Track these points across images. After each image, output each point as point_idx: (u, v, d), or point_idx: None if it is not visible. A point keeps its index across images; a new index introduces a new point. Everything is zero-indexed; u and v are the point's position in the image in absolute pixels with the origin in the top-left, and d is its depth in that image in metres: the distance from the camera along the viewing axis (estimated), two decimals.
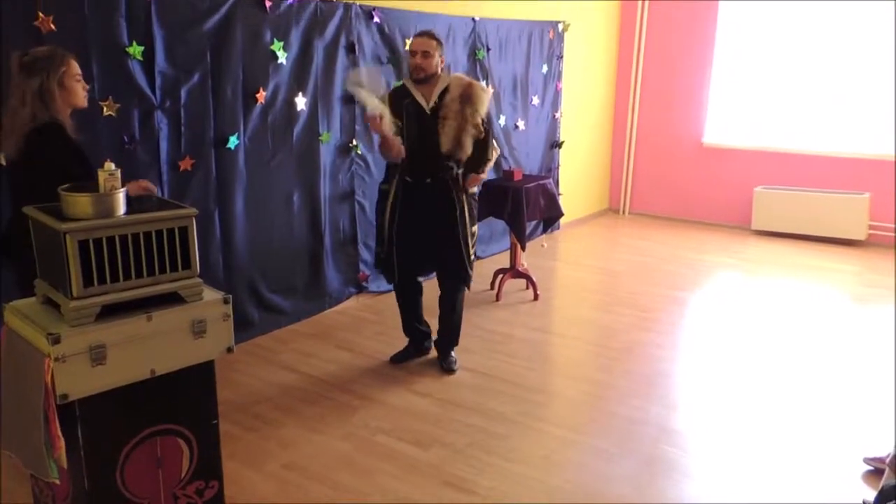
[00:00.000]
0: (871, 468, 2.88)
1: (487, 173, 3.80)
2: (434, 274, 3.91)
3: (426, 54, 3.45)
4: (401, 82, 3.77)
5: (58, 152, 2.51)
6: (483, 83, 5.67)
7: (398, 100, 3.51)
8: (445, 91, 3.49)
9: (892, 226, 6.54)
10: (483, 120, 3.51)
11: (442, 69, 3.56)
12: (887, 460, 2.71)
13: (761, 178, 7.08)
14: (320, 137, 4.41)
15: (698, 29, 7.20)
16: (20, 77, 2.52)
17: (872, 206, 6.56)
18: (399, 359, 3.91)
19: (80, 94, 2.66)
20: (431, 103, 3.50)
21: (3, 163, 2.64)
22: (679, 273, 5.77)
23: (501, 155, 6.04)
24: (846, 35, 6.52)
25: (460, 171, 3.59)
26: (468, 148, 3.50)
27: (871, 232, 6.60)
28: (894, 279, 5.56)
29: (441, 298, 3.85)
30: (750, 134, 7.15)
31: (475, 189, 3.79)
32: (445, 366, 3.84)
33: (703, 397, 3.64)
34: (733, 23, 7.05)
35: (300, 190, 4.37)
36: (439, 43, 3.53)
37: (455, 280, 3.77)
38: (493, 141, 3.73)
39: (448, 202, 3.59)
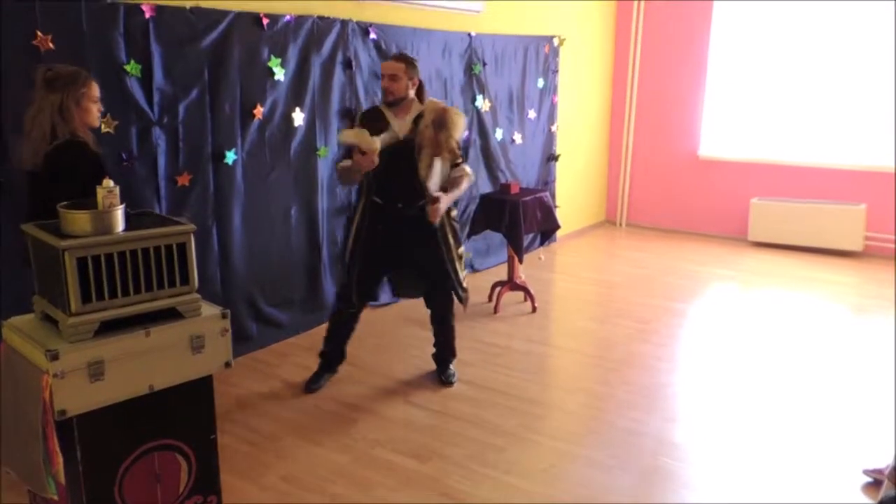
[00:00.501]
0: (870, 480, 2.88)
1: (451, 199, 3.60)
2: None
3: (394, 77, 3.41)
4: (373, 105, 3.78)
5: (82, 169, 2.56)
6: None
7: (371, 122, 3.47)
8: (419, 117, 3.47)
9: (890, 237, 6.56)
10: (458, 145, 3.49)
11: (414, 92, 3.52)
12: (886, 472, 2.71)
13: (757, 190, 7.11)
14: (318, 152, 4.44)
15: (693, 42, 7.26)
16: (42, 91, 2.57)
17: (869, 216, 6.59)
18: (316, 385, 3.75)
19: (95, 115, 2.73)
20: (406, 129, 3.47)
21: (25, 169, 2.66)
22: (677, 284, 5.79)
23: (498, 168, 6.09)
24: (841, 47, 6.57)
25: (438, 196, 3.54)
26: (443, 173, 3.50)
27: (868, 243, 6.62)
28: (893, 290, 5.58)
29: (432, 316, 3.86)
30: (745, 146, 7.19)
31: (455, 212, 3.74)
32: (445, 378, 3.85)
33: (703, 409, 3.64)
34: (727, 36, 7.11)
35: (298, 204, 4.39)
36: (410, 65, 3.45)
37: (447, 299, 3.76)
38: (466, 166, 3.66)
39: (427, 227, 3.54)
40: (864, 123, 6.58)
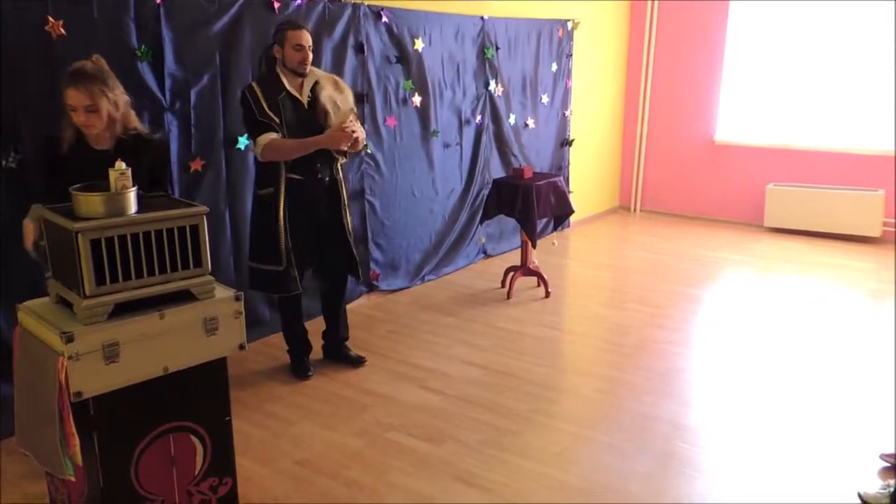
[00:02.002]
0: (887, 464, 2.85)
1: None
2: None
3: (310, 49, 3.35)
4: (265, 73, 3.46)
5: (157, 163, 2.63)
6: (493, 81, 5.69)
7: (271, 94, 3.33)
8: (315, 85, 3.43)
9: None
10: (353, 108, 3.51)
11: None
12: None
13: (773, 176, 7.02)
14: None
15: (709, 25, 7.16)
16: (116, 80, 2.52)
17: (887, 202, 6.49)
18: (306, 370, 3.74)
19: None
20: (306, 96, 3.42)
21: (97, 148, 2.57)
22: (691, 270, 5.74)
23: (511, 153, 6.05)
24: (858, 30, 6.45)
25: (343, 162, 3.59)
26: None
27: (886, 229, 6.53)
28: None
29: (330, 293, 3.80)
30: (762, 131, 7.09)
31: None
32: (356, 358, 3.85)
33: (717, 394, 3.61)
34: (744, 20, 7.00)
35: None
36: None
37: (347, 271, 3.74)
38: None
39: (336, 196, 3.57)
40: (881, 108, 6.46)
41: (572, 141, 6.80)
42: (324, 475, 2.82)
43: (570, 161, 6.89)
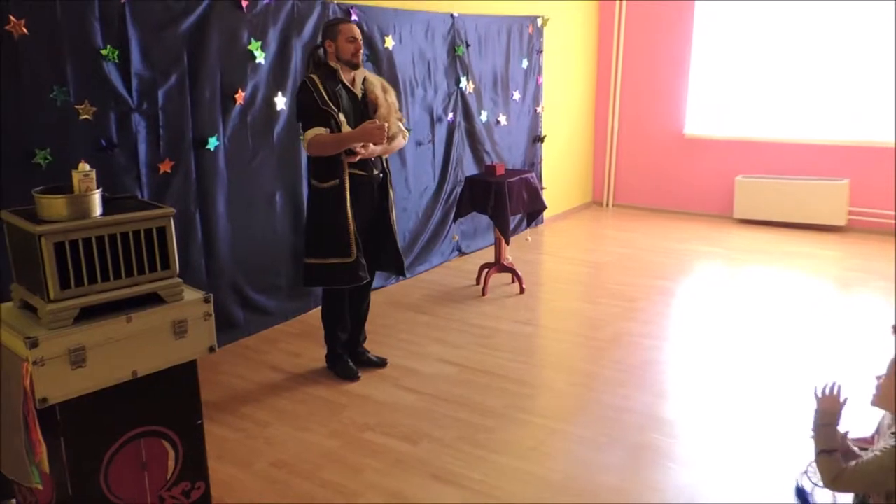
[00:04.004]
0: (855, 449, 2.90)
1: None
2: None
3: (361, 41, 3.40)
4: (320, 62, 3.43)
5: None
6: (464, 79, 5.69)
7: (329, 85, 3.34)
8: (364, 80, 3.49)
9: (872, 211, 6.61)
10: (398, 109, 3.58)
11: None
12: (870, 439, 2.74)
13: (742, 168, 7.13)
14: (301, 136, 4.39)
15: (676, 20, 7.24)
16: None
17: (851, 191, 6.63)
18: (356, 371, 3.69)
19: None
20: (359, 89, 3.46)
21: None
22: (664, 263, 5.80)
23: (484, 150, 6.07)
24: (823, 23, 6.57)
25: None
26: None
27: (851, 217, 6.67)
28: (876, 263, 5.63)
29: (364, 292, 3.74)
30: (730, 124, 7.20)
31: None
32: (378, 360, 3.83)
33: (691, 385, 3.66)
34: (711, 14, 7.09)
35: (282, 189, 4.36)
36: None
37: (392, 268, 3.76)
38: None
39: (385, 192, 3.62)
40: (845, 99, 6.60)
41: (544, 137, 6.83)
42: (300, 477, 2.81)
43: (543, 157, 6.92)
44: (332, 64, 3.39)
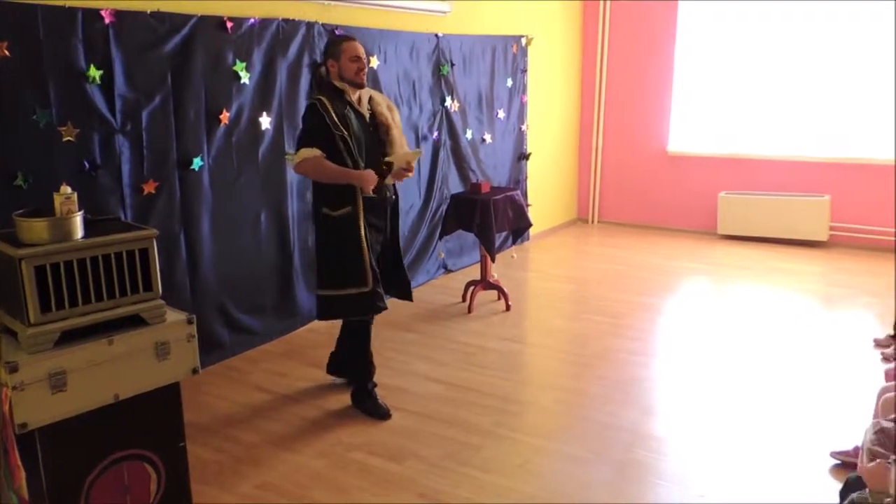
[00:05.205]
0: (837, 462, 2.92)
1: None
2: None
3: (365, 59, 3.33)
4: (325, 82, 3.34)
5: None
6: (449, 98, 5.74)
7: (337, 107, 3.21)
8: (370, 100, 3.42)
9: (853, 226, 6.69)
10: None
11: None
12: (854, 452, 2.76)
13: (725, 184, 7.20)
14: (286, 156, 4.40)
15: (659, 39, 7.34)
16: None
17: (833, 207, 6.71)
18: (385, 408, 3.48)
19: None
20: (366, 109, 3.37)
21: None
22: (649, 279, 5.84)
23: (469, 168, 6.10)
24: (802, 43, 6.68)
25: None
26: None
27: (833, 233, 6.75)
28: (858, 278, 5.70)
29: (366, 322, 3.53)
30: (713, 141, 7.28)
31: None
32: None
33: (677, 401, 3.67)
34: (693, 33, 7.19)
35: (267, 209, 4.35)
36: None
37: (400, 293, 3.64)
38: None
39: (396, 216, 3.55)
40: (825, 117, 6.70)
41: (529, 155, 6.88)
42: (286, 498, 2.78)
43: (528, 175, 6.97)
44: (338, 84, 3.29)
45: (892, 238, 6.49)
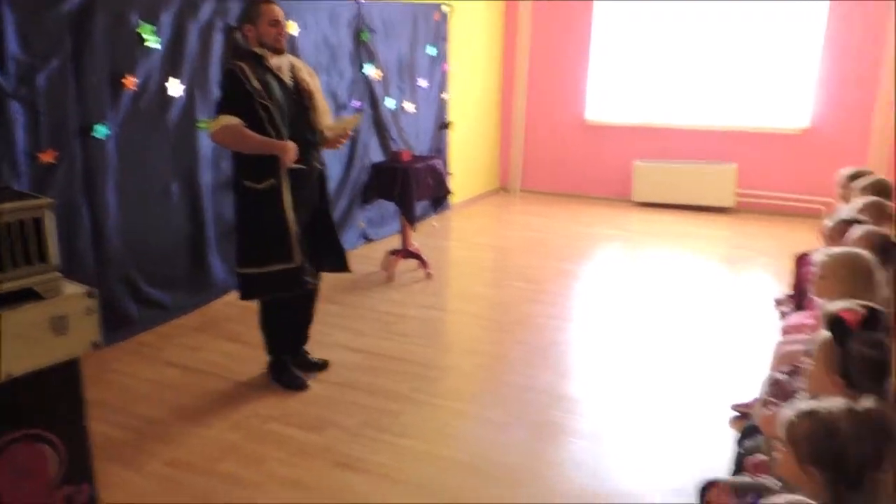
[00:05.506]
0: (737, 414, 3.10)
1: None
2: None
3: (284, 23, 3.19)
4: (244, 50, 3.16)
5: None
6: (369, 65, 5.65)
7: (258, 72, 3.06)
8: (291, 67, 3.27)
9: (757, 192, 7.03)
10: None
11: None
12: (753, 406, 2.93)
13: (640, 153, 7.42)
14: (199, 124, 4.24)
15: (578, 11, 7.43)
16: None
17: (739, 174, 7.03)
18: (303, 382, 3.44)
19: None
20: (287, 76, 3.23)
21: None
22: (568, 246, 5.98)
23: (390, 137, 6.05)
24: (711, 17, 6.91)
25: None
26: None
27: (739, 199, 7.08)
28: (761, 242, 6.01)
29: (310, 297, 3.50)
30: (628, 111, 7.48)
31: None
32: (319, 362, 3.62)
33: (592, 362, 3.80)
34: (610, 6, 7.32)
35: (178, 179, 4.20)
36: None
37: (336, 265, 3.52)
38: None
39: (324, 184, 3.45)
40: (734, 88, 6.97)
41: (450, 124, 6.88)
42: (197, 473, 2.73)
43: (450, 144, 6.97)
44: (257, 50, 3.11)
45: (794, 203, 6.86)
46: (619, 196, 7.59)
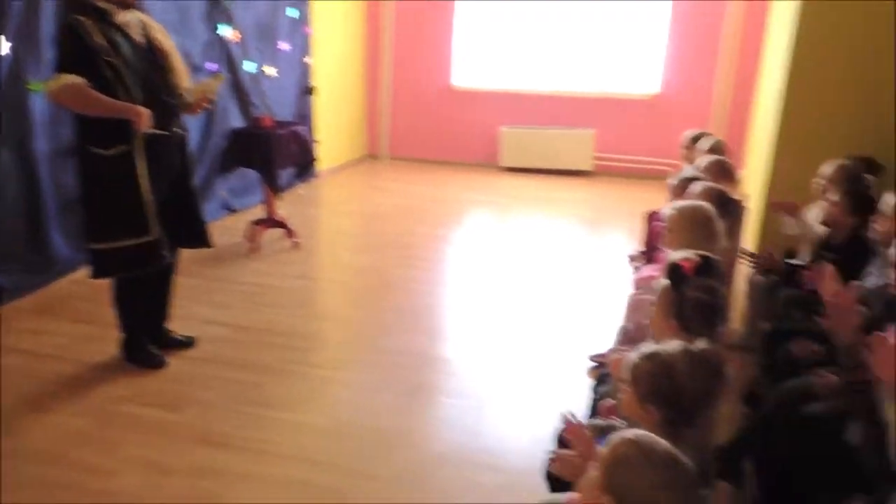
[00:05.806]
0: (594, 364, 3.27)
1: None
2: None
3: None
4: (78, 11, 2.79)
5: None
6: (226, 26, 5.34)
7: (103, 29, 2.77)
8: (143, 25, 2.99)
9: (614, 156, 7.40)
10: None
11: None
12: (608, 356, 3.10)
13: (506, 118, 7.58)
14: (30, 86, 3.83)
15: None
16: None
17: (597, 139, 7.36)
18: (161, 360, 3.26)
19: None
20: (137, 35, 2.94)
21: None
22: (437, 212, 6.03)
23: (250, 102, 5.78)
24: None
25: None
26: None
27: (597, 163, 7.43)
28: (618, 204, 6.35)
29: (168, 273, 3.31)
30: (494, 76, 7.59)
31: None
32: (185, 340, 3.43)
33: (462, 324, 3.87)
34: None
35: (8, 147, 3.78)
36: None
37: (196, 239, 3.31)
38: None
39: (184, 152, 3.20)
40: (591, 54, 7.26)
41: (314, 89, 6.68)
42: (43, 463, 2.51)
43: (315, 110, 6.78)
44: (101, 4, 2.79)
45: (646, 166, 7.29)
46: (487, 161, 7.73)
